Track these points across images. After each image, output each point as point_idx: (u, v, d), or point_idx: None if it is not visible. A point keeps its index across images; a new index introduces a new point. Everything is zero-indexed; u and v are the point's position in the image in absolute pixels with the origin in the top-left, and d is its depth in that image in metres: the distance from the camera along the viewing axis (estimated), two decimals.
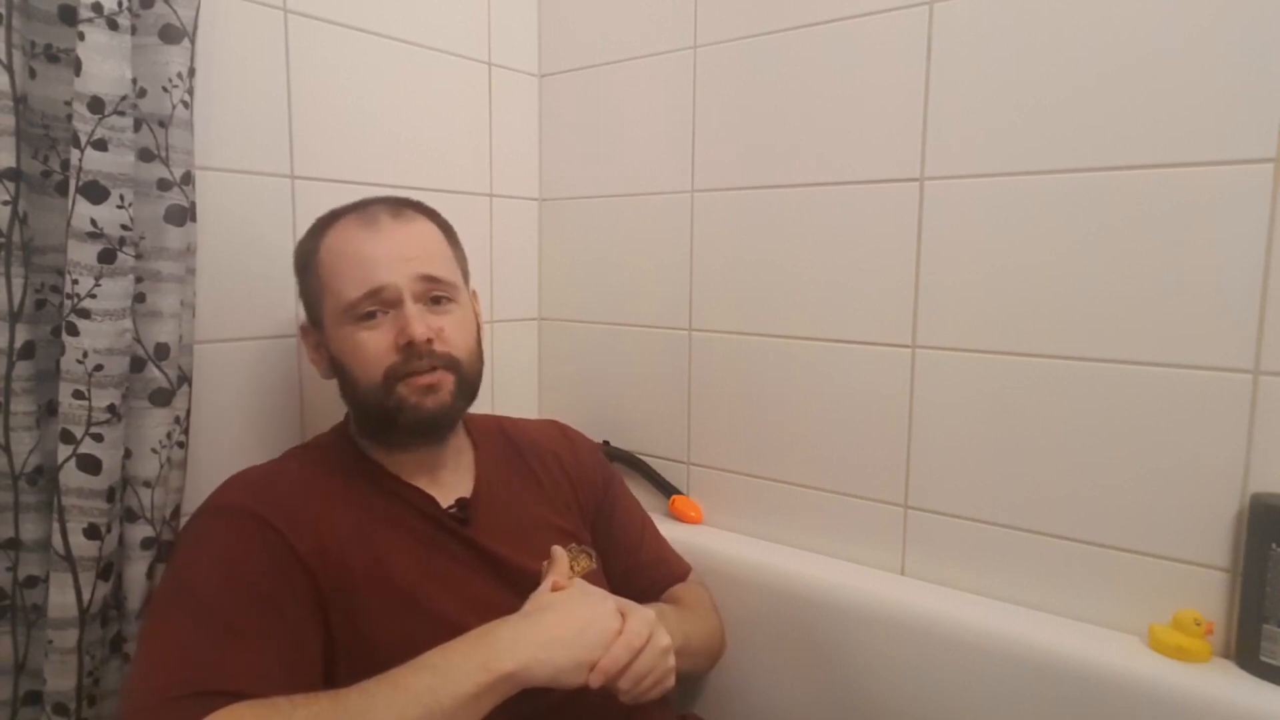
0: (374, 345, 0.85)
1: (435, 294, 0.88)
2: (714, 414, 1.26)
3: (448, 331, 0.87)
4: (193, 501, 0.87)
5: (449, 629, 0.75)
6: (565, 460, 1.05)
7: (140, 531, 0.87)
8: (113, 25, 0.78)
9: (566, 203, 1.41)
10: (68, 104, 0.81)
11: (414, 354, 0.85)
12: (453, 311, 0.89)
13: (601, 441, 1.35)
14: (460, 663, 0.70)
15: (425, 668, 0.69)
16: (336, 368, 0.89)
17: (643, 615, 0.78)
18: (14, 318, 0.79)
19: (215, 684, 0.68)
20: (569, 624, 0.74)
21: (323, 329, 0.90)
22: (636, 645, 0.75)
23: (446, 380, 0.87)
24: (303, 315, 0.96)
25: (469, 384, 0.90)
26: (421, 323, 0.85)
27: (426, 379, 0.85)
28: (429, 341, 0.85)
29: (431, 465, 0.92)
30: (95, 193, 0.79)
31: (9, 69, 0.77)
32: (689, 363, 1.28)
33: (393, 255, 0.86)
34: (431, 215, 0.94)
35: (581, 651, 0.73)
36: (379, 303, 0.85)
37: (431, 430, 0.89)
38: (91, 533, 0.82)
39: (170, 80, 0.85)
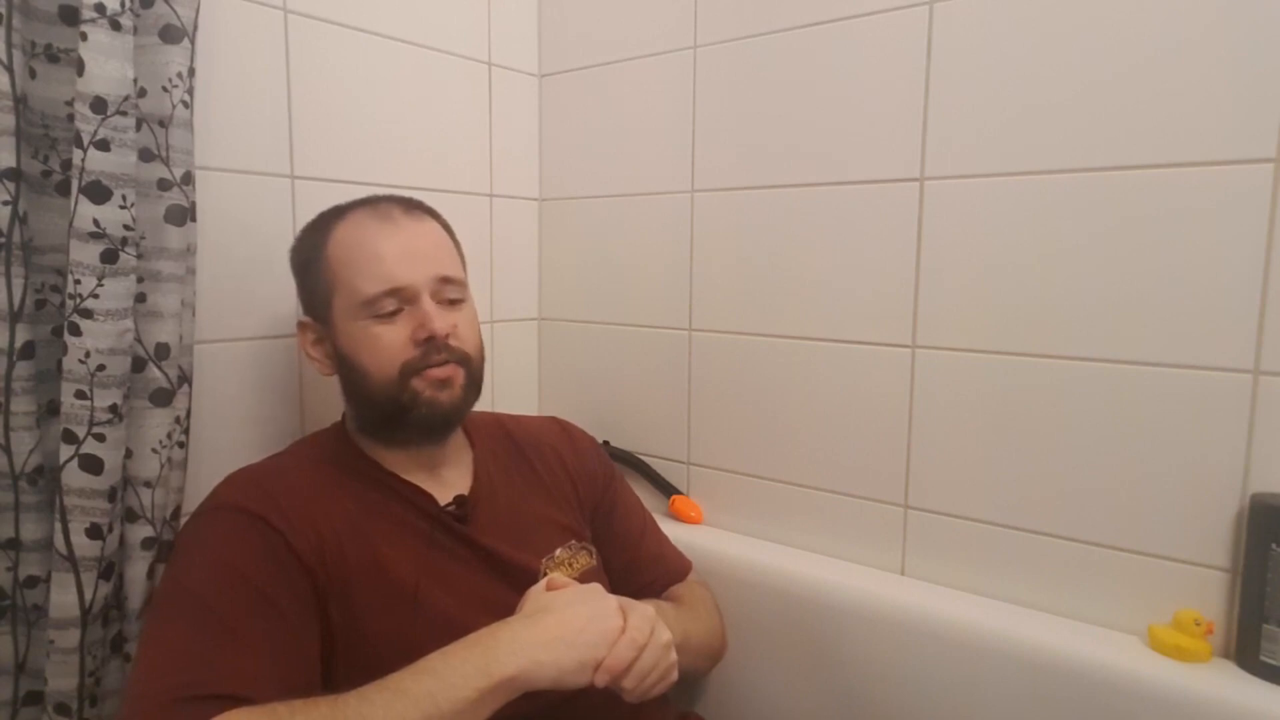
0: (390, 340, 0.86)
1: (449, 293, 0.89)
2: (714, 414, 1.26)
3: (461, 328, 0.89)
4: (193, 501, 0.87)
5: (448, 626, 0.75)
6: (566, 456, 1.05)
7: (141, 531, 0.87)
8: (115, 25, 0.78)
9: (566, 203, 1.41)
10: (68, 104, 0.81)
11: (433, 348, 0.86)
12: (463, 309, 0.91)
13: (602, 442, 1.35)
14: (460, 666, 0.69)
15: (424, 672, 0.69)
16: (343, 363, 0.89)
17: (643, 611, 0.78)
18: (14, 318, 0.79)
19: (215, 687, 0.67)
20: (570, 624, 0.74)
21: (329, 323, 0.89)
22: (641, 641, 0.74)
23: (458, 375, 0.88)
24: (300, 310, 0.95)
25: (476, 380, 0.91)
26: (441, 318, 0.86)
27: (441, 372, 0.86)
28: (446, 336, 0.86)
29: (430, 463, 0.92)
30: (98, 193, 0.79)
31: (9, 69, 0.76)
32: (689, 363, 1.28)
33: (410, 253, 0.87)
34: (435, 215, 0.95)
35: (585, 651, 0.72)
36: (397, 300, 0.86)
37: (443, 426, 0.90)
38: (94, 532, 0.82)
39: (170, 80, 0.85)
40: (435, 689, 0.67)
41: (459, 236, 0.96)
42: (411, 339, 0.86)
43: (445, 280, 0.89)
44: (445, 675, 0.68)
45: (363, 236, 0.88)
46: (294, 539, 0.79)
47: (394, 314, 0.86)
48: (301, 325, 0.94)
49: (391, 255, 0.86)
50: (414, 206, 0.93)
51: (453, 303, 0.90)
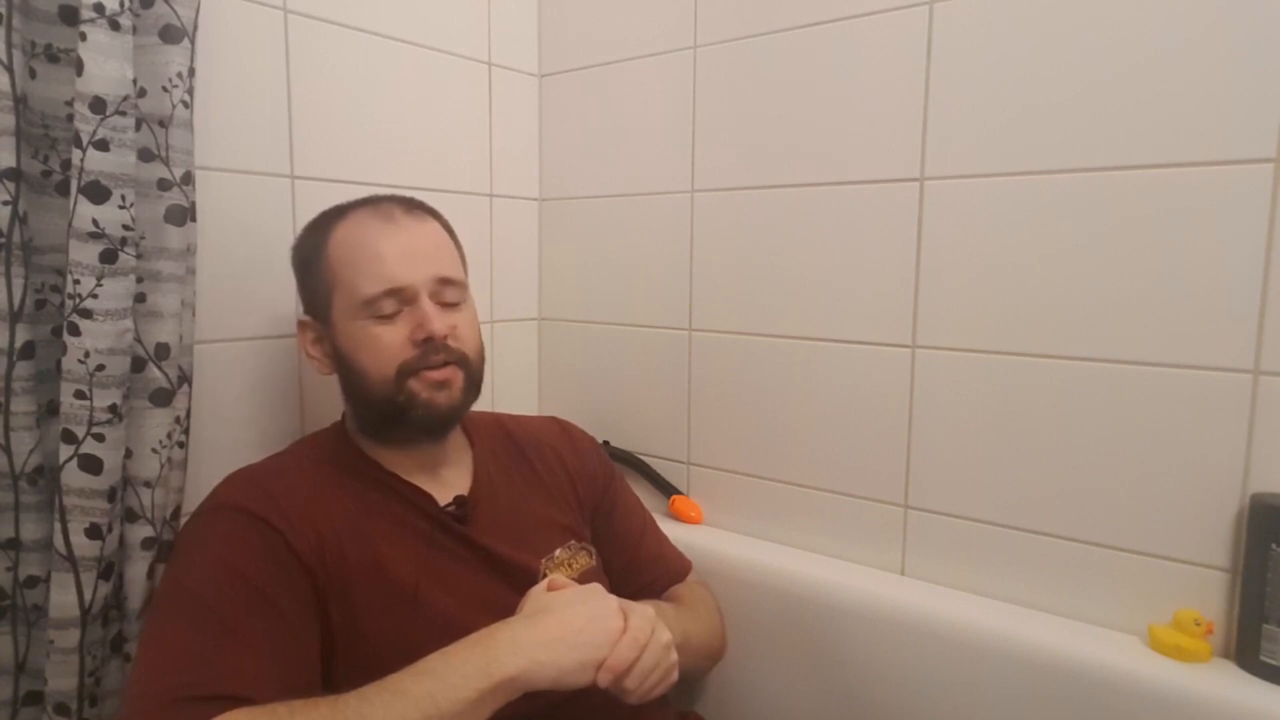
0: (388, 339, 0.86)
1: (448, 294, 0.89)
2: (714, 414, 1.26)
3: (460, 329, 0.89)
4: (193, 501, 0.87)
5: (448, 626, 0.75)
6: (566, 456, 1.05)
7: (141, 532, 0.87)
8: (114, 25, 0.78)
9: (566, 203, 1.41)
10: (68, 104, 0.81)
11: (432, 349, 0.86)
12: (463, 310, 0.91)
13: (602, 442, 1.35)
14: (460, 667, 0.69)
15: (425, 673, 0.69)
16: (343, 362, 0.89)
17: (643, 612, 0.78)
18: (14, 318, 0.79)
19: (215, 688, 0.67)
20: (570, 624, 0.74)
21: (329, 323, 0.90)
22: (642, 641, 0.74)
23: (457, 377, 0.88)
24: (300, 309, 0.95)
25: (475, 381, 0.91)
26: (440, 319, 0.86)
27: (439, 374, 0.86)
28: (445, 337, 0.86)
29: (430, 463, 0.92)
30: (97, 193, 0.79)
31: (9, 69, 0.76)
32: (689, 363, 1.28)
33: (410, 253, 0.87)
34: (436, 215, 0.95)
35: (585, 651, 0.72)
36: (397, 300, 0.86)
37: (441, 427, 0.90)
38: (93, 532, 0.82)
39: (170, 80, 0.85)
40: (435, 689, 0.67)
41: (459, 236, 0.96)
42: (410, 339, 0.86)
43: (445, 281, 0.89)
44: (445, 676, 0.68)
45: (363, 236, 0.88)
46: (294, 539, 0.79)
47: (393, 314, 0.86)
48: (301, 324, 0.94)
49: (392, 255, 0.86)
50: (415, 206, 0.93)
51: (452, 304, 0.90)
